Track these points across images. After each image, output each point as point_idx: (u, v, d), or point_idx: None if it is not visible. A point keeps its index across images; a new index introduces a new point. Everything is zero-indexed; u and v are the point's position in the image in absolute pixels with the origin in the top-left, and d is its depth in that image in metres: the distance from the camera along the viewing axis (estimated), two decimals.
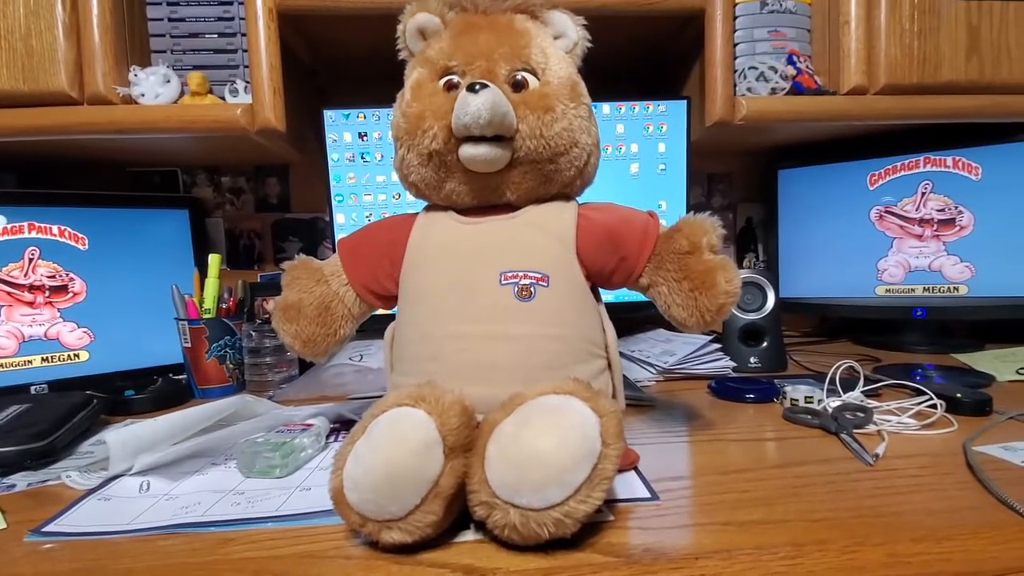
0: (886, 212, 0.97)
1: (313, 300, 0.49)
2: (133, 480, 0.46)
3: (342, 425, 0.60)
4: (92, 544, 0.37)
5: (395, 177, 0.85)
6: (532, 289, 0.42)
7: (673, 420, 0.59)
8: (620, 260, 0.46)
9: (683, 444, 0.52)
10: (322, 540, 0.36)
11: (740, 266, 1.10)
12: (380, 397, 0.71)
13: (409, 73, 0.47)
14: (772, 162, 1.05)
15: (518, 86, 0.44)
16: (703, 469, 0.46)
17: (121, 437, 0.46)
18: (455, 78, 0.44)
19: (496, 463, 0.32)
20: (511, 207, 0.46)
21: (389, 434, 0.33)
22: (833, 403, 0.61)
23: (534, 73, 0.44)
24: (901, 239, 0.96)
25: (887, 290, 0.98)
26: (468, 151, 0.42)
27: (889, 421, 0.55)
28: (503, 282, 0.42)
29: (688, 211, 0.93)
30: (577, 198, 0.49)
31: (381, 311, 0.54)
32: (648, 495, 0.40)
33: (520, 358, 0.41)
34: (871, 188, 0.98)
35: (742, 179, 1.10)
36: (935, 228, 0.94)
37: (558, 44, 0.47)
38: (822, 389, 0.63)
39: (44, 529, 0.38)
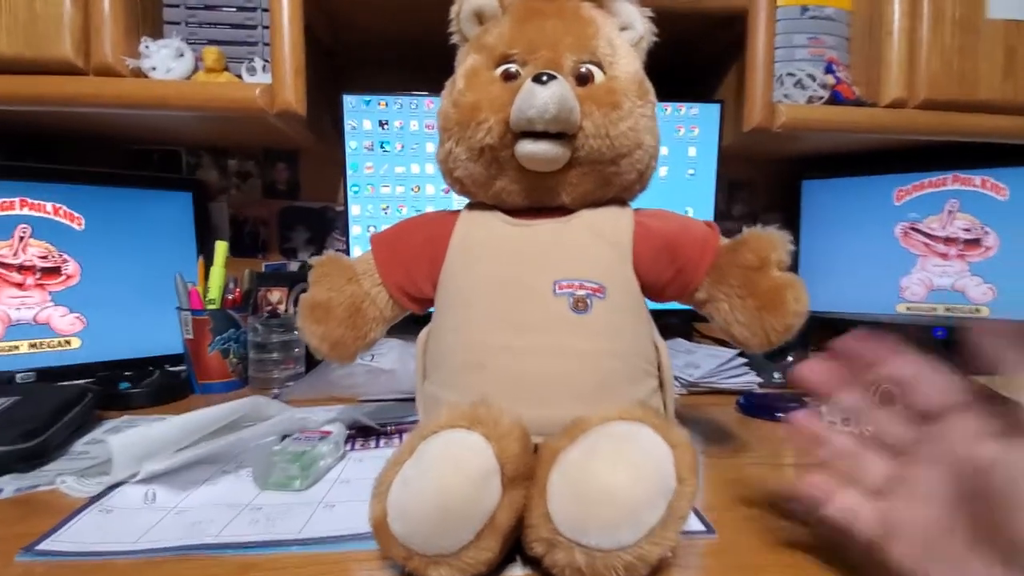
0: (911, 229, 0.95)
1: (343, 300, 0.45)
2: (137, 489, 0.42)
3: (358, 431, 0.56)
4: (95, 567, 0.33)
5: (416, 169, 0.82)
6: (588, 300, 0.39)
7: (705, 440, 0.56)
8: (677, 272, 0.43)
9: (721, 467, 0.49)
10: (356, 569, 0.32)
11: None
12: (393, 400, 0.69)
13: (461, 60, 0.44)
14: (796, 172, 1.02)
15: (583, 79, 0.40)
16: (750, 498, 0.43)
17: (125, 441, 0.42)
18: (514, 67, 0.41)
19: (561, 497, 0.29)
20: (563, 210, 0.43)
21: (442, 459, 0.29)
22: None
23: (600, 66, 0.41)
24: (925, 257, 0.95)
25: (908, 308, 0.96)
26: (527, 148, 0.38)
27: None
28: (557, 291, 0.38)
29: (715, 218, 0.91)
30: (631, 203, 0.46)
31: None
32: (703, 528, 0.37)
33: (575, 376, 0.37)
34: (897, 204, 0.96)
35: (765, 188, 1.08)
36: (960, 247, 0.92)
37: (624, 36, 0.43)
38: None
39: (39, 547, 0.34)
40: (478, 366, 0.39)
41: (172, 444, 0.44)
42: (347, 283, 0.45)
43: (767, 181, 1.08)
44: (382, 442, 0.55)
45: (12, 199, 0.74)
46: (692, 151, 0.83)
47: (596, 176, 0.41)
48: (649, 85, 0.44)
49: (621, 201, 0.45)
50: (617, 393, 0.38)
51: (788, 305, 0.41)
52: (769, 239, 0.42)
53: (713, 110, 0.82)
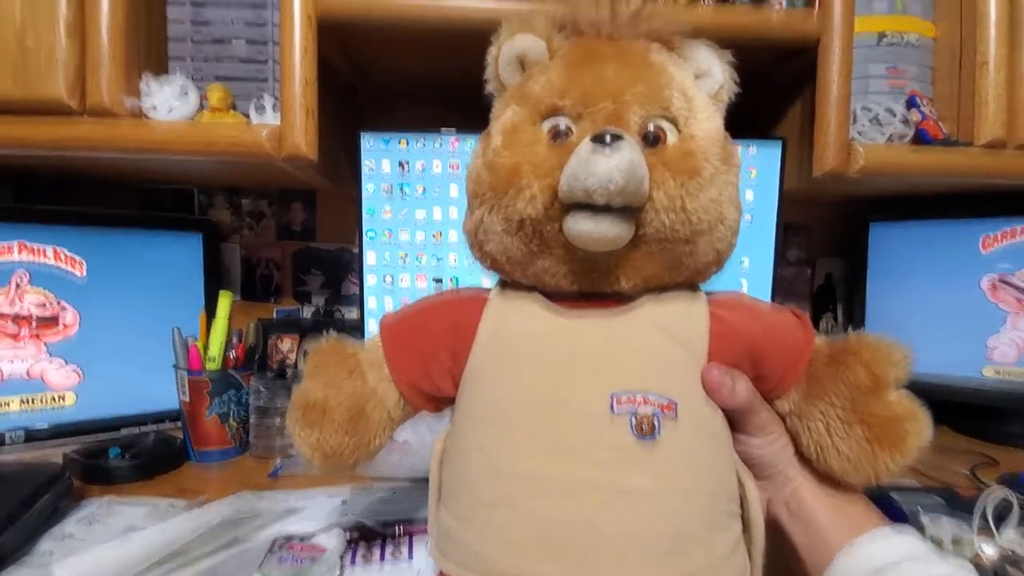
0: (1001, 282, 0.83)
1: (343, 399, 0.36)
2: None
3: (361, 535, 0.48)
4: None
5: (438, 214, 0.75)
6: (656, 421, 0.30)
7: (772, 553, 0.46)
8: (755, 379, 0.34)
9: None
10: None
11: (817, 328, 0.96)
12: (407, 482, 0.60)
13: (499, 112, 0.35)
14: (863, 214, 0.91)
15: (653, 140, 0.32)
16: None
17: (73, 570, 0.34)
18: (563, 122, 0.32)
19: None
20: (620, 297, 0.34)
21: None
22: (986, 548, 0.47)
23: (674, 123, 0.32)
24: (1018, 314, 0.82)
25: (997, 372, 0.84)
26: (583, 225, 0.30)
27: None
28: (615, 408, 0.30)
29: (776, 268, 0.81)
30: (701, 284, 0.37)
31: None
32: None
33: (638, 525, 0.28)
34: (984, 253, 0.84)
35: (823, 230, 0.97)
36: None
37: (700, 86, 0.35)
38: (970, 525, 0.49)
39: None
40: (508, 504, 0.30)
41: (131, 568, 0.37)
42: (348, 377, 0.37)
43: (826, 223, 0.97)
44: (388, 551, 0.46)
45: (10, 243, 0.69)
46: (749, 195, 0.74)
47: (665, 257, 0.32)
48: (733, 147, 0.35)
49: (691, 285, 0.36)
50: (694, 549, 0.29)
51: (909, 441, 0.32)
52: (886, 352, 0.33)
53: (774, 149, 0.73)
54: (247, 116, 0.61)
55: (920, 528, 0.50)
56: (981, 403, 0.85)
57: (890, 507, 0.55)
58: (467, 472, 0.33)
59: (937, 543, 0.48)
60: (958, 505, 0.56)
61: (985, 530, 0.50)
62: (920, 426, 0.32)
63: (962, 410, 0.91)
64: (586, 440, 0.30)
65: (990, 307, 0.83)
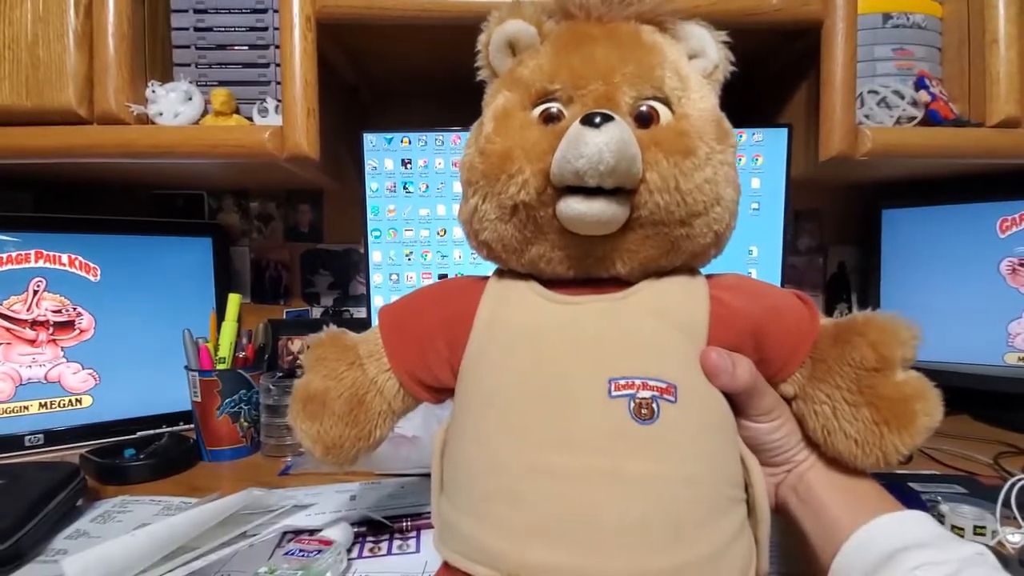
0: (1021, 265, 0.81)
1: (343, 390, 0.37)
2: None
3: (368, 528, 0.48)
4: None
5: (442, 210, 0.75)
6: (655, 405, 0.29)
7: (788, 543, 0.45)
8: (759, 362, 0.34)
9: None
10: None
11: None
12: (416, 476, 0.60)
13: (491, 98, 0.35)
14: (874, 200, 0.90)
15: (645, 120, 0.32)
16: None
17: (81, 565, 0.35)
18: (555, 106, 0.32)
19: None
20: (618, 281, 0.34)
21: None
22: (1012, 537, 0.46)
23: (667, 103, 0.32)
24: None
25: (1020, 358, 0.81)
26: (575, 207, 0.30)
27: None
28: (613, 393, 0.29)
29: (785, 257, 0.80)
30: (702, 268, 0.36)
31: None
32: None
33: (639, 512, 0.28)
34: (1002, 236, 0.81)
35: (835, 217, 0.96)
36: None
37: (694, 65, 0.34)
38: (994, 514, 0.48)
39: None
40: (508, 495, 0.30)
41: (140, 562, 0.37)
42: (348, 369, 0.37)
43: (838, 209, 0.95)
44: (395, 544, 0.46)
45: (28, 251, 0.71)
46: (756, 183, 0.73)
47: (661, 240, 0.32)
48: (729, 126, 0.34)
49: (690, 268, 0.35)
50: (696, 535, 0.28)
51: (919, 422, 0.31)
52: (892, 330, 0.32)
53: (780, 136, 0.72)
54: (249, 119, 0.62)
55: (939, 517, 0.48)
56: (1004, 391, 0.83)
57: (908, 495, 0.53)
58: (467, 463, 0.33)
59: (958, 532, 0.47)
60: (980, 493, 0.55)
61: (1010, 519, 0.48)
62: (930, 406, 0.31)
63: (984, 398, 0.89)
64: (584, 427, 0.29)
65: (1010, 291, 0.81)
